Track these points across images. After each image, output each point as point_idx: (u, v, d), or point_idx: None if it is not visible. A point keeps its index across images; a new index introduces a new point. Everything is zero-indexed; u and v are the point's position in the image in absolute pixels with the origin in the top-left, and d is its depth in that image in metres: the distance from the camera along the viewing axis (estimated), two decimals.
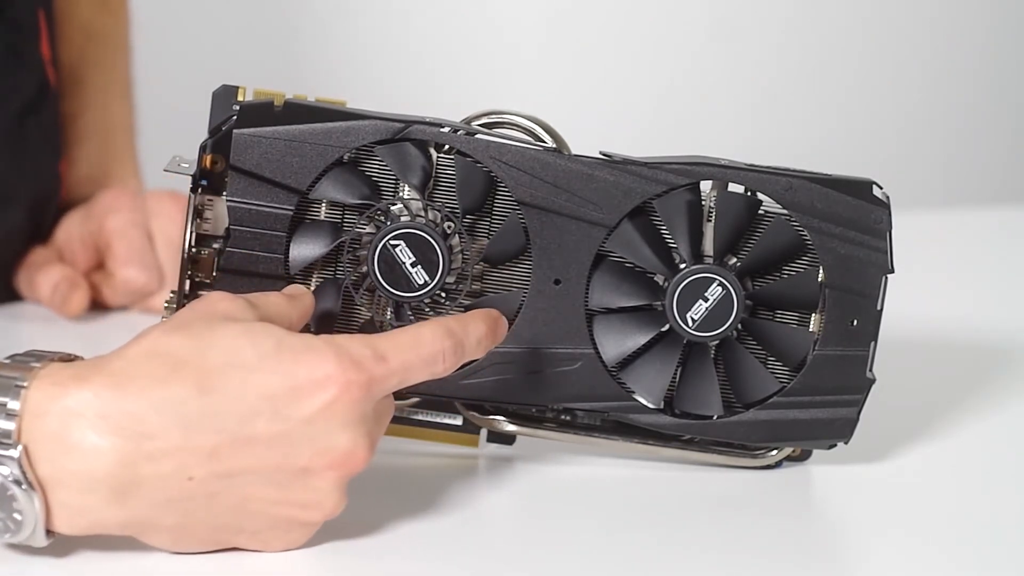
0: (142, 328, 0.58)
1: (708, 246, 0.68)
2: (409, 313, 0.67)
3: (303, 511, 0.58)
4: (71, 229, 0.96)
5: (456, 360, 0.61)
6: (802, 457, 0.71)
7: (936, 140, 2.18)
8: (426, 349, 0.59)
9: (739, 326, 0.68)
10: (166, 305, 0.67)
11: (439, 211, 0.67)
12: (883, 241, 0.68)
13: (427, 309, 0.67)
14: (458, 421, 0.70)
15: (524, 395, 0.68)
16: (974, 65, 2.18)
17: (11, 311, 0.95)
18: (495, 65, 2.02)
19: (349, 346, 0.57)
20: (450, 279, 0.67)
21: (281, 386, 0.56)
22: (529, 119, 0.68)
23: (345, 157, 0.67)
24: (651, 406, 0.69)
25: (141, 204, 0.95)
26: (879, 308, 0.68)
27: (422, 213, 0.67)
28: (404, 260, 0.66)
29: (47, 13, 0.98)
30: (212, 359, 0.56)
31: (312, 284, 0.68)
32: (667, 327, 0.68)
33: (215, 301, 0.60)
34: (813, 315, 0.69)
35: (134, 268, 0.92)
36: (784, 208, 0.68)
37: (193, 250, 0.67)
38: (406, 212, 0.67)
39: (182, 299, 0.67)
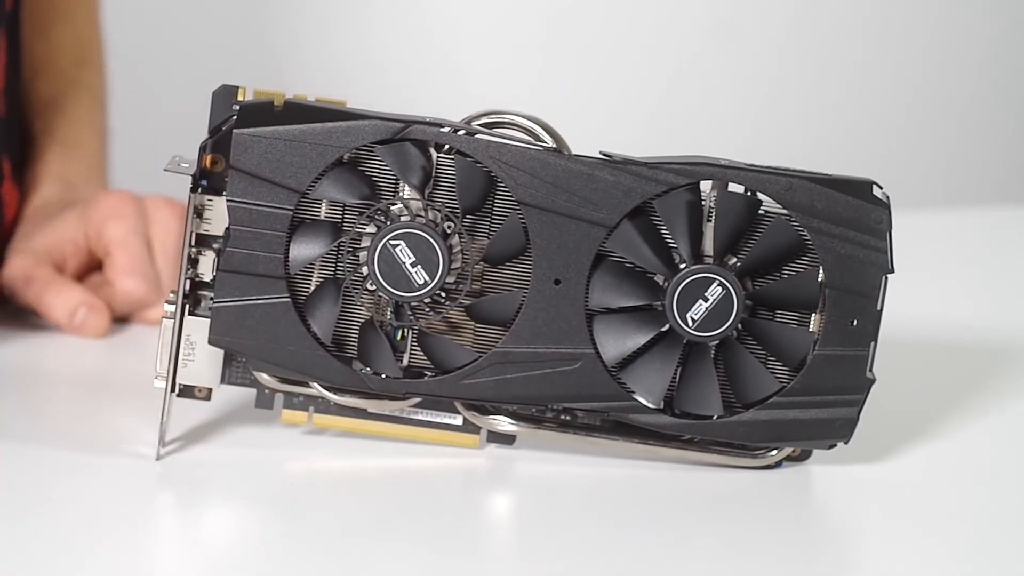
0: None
1: (708, 246, 0.68)
2: (409, 313, 0.67)
3: None
4: (63, 230, 0.94)
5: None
6: (802, 457, 0.71)
7: (936, 140, 2.18)
8: None
9: (739, 326, 0.68)
10: (166, 305, 0.67)
11: (439, 211, 0.67)
12: (883, 241, 0.68)
13: (427, 309, 0.67)
14: (458, 421, 0.70)
15: (524, 395, 0.68)
16: (974, 65, 2.18)
17: (5, 309, 0.94)
18: (495, 65, 2.02)
19: None
20: (450, 279, 0.67)
21: None
22: (529, 119, 0.68)
23: (345, 157, 0.67)
24: (651, 406, 0.69)
25: (142, 210, 0.93)
26: (879, 308, 0.68)
27: (422, 213, 0.67)
28: (404, 260, 0.66)
29: (10, 46, 0.98)
30: None
31: (312, 284, 0.68)
32: (667, 327, 0.68)
33: None
34: (813, 315, 0.69)
35: (135, 279, 0.90)
36: (784, 208, 0.68)
37: (193, 250, 0.68)
38: (406, 212, 0.67)
39: (182, 299, 0.67)
